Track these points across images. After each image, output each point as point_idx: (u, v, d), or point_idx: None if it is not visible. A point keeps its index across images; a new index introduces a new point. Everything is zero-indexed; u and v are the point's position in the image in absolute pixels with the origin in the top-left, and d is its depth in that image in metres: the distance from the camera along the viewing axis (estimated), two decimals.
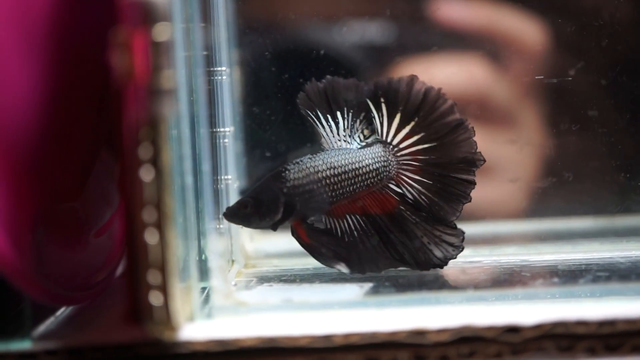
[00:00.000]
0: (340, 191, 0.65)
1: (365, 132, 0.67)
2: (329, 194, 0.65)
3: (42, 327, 0.60)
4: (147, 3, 0.48)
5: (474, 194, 0.66)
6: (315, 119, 0.67)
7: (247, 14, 0.77)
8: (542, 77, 0.78)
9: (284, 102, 0.78)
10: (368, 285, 0.64)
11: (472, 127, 0.65)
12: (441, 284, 0.64)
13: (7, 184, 0.55)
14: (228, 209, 0.66)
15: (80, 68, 0.60)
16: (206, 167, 0.58)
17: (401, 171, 0.66)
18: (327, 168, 0.65)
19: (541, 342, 0.56)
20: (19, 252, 0.54)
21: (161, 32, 0.48)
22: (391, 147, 0.66)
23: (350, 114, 0.66)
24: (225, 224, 0.69)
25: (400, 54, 0.79)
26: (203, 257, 0.62)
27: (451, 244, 0.65)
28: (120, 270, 0.70)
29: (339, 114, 0.66)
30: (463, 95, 0.78)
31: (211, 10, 0.68)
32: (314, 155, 0.66)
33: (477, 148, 0.65)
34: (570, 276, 0.65)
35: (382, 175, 0.66)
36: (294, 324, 0.56)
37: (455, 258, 0.65)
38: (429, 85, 0.65)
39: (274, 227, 0.66)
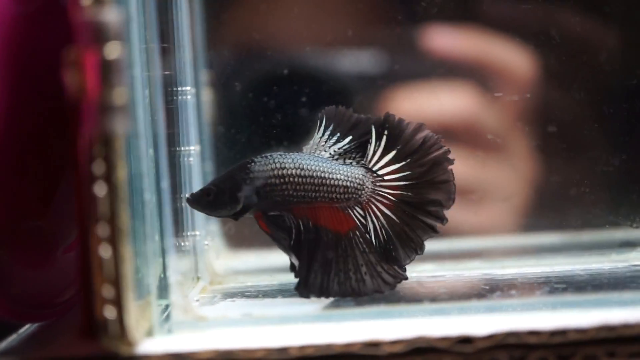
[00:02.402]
0: (302, 194, 0.66)
1: (354, 157, 0.67)
2: (290, 193, 0.66)
3: (3, 344, 0.61)
4: (98, 23, 0.49)
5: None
6: (319, 127, 0.67)
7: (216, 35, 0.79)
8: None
9: (250, 122, 0.80)
10: (328, 300, 0.65)
11: (452, 172, 0.66)
12: (399, 297, 0.65)
13: None
14: (191, 195, 0.66)
15: (41, 86, 0.61)
16: (165, 184, 0.59)
17: (373, 200, 0.66)
18: (295, 167, 0.66)
19: (494, 353, 0.57)
20: None
21: (112, 50, 0.50)
22: (374, 175, 0.66)
23: (348, 139, 0.67)
24: (189, 242, 0.70)
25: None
26: (164, 273, 0.63)
27: (385, 282, 0.65)
28: None
29: (338, 135, 0.67)
30: (452, 122, 0.80)
31: (176, 32, 0.69)
32: (286, 154, 0.66)
33: (454, 190, 0.66)
34: (528, 288, 0.66)
35: (350, 195, 0.66)
36: (252, 337, 0.57)
37: (383, 293, 0.65)
38: (431, 133, 0.66)
39: (235, 217, 0.66)
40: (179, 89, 0.71)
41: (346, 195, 0.66)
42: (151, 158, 0.59)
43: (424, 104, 0.77)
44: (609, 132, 0.80)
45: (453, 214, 0.66)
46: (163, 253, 0.62)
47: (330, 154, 0.67)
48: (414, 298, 0.66)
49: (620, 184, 0.80)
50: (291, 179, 0.66)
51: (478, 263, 0.77)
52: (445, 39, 0.81)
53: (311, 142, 0.68)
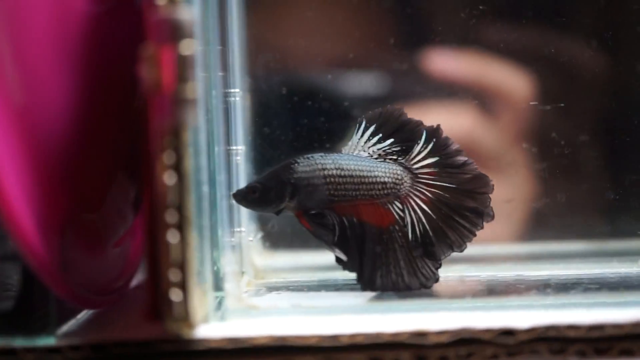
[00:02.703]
0: (343, 192, 0.69)
1: (395, 159, 0.70)
2: (331, 192, 0.69)
3: (65, 327, 0.63)
4: (174, 20, 0.52)
5: None
6: (358, 129, 0.70)
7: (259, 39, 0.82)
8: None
9: (292, 125, 0.83)
10: (371, 294, 0.68)
11: (492, 185, 0.69)
12: (441, 293, 0.68)
13: (41, 189, 0.59)
14: (238, 191, 0.70)
15: (110, 85, 0.64)
16: (222, 178, 0.62)
17: (412, 195, 0.69)
18: (335, 168, 0.69)
19: (534, 345, 0.59)
20: (49, 252, 0.58)
21: (187, 46, 0.53)
22: (411, 171, 0.69)
23: (390, 142, 0.70)
24: (236, 237, 0.73)
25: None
26: (216, 268, 0.66)
27: (420, 281, 0.68)
28: (132, 283, 0.75)
29: (380, 136, 0.70)
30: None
31: (229, 34, 0.72)
32: (326, 154, 0.69)
33: (490, 203, 0.69)
34: (563, 288, 0.69)
35: (389, 191, 0.69)
36: (303, 325, 0.60)
37: (418, 290, 0.68)
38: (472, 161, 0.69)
39: (277, 213, 0.70)
40: (230, 90, 0.74)
41: (385, 191, 0.69)
42: (208, 153, 0.62)
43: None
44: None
45: None
46: (217, 245, 0.65)
47: (369, 154, 0.70)
48: (455, 294, 0.69)
49: None
50: (332, 179, 0.69)
51: (508, 265, 0.79)
52: (445, 61, 0.84)
53: (350, 143, 0.70)
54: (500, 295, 0.68)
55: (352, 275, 0.70)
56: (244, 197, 0.69)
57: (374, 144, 0.70)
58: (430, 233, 0.69)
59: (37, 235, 0.58)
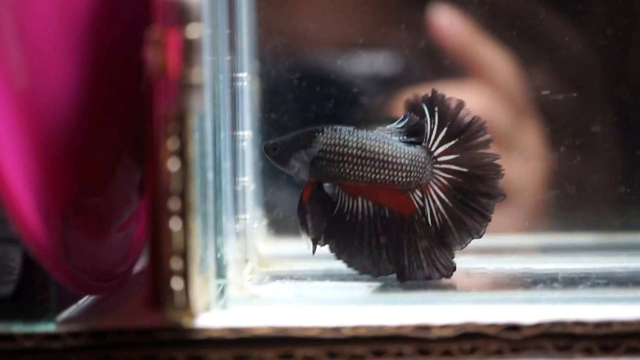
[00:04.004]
0: (361, 173, 0.67)
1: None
2: (347, 170, 0.67)
3: (66, 313, 0.63)
4: (181, 3, 0.51)
5: None
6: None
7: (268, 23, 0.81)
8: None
9: (301, 111, 0.82)
10: (376, 285, 0.67)
11: (502, 170, 0.68)
12: (446, 286, 0.67)
13: (42, 172, 0.58)
14: (264, 143, 0.69)
15: (115, 69, 0.63)
16: (227, 165, 0.61)
17: (431, 183, 0.68)
18: (357, 147, 0.67)
19: (540, 341, 0.59)
20: (50, 236, 0.57)
21: (194, 30, 0.52)
22: (432, 157, 0.68)
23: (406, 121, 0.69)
24: (240, 224, 0.72)
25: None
26: (219, 255, 0.65)
27: (438, 271, 0.67)
28: (136, 268, 0.74)
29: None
30: None
31: (237, 18, 0.71)
32: (354, 130, 0.68)
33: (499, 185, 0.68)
34: (570, 283, 0.68)
35: (411, 179, 0.68)
36: (305, 316, 0.59)
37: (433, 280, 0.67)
38: (475, 114, 0.68)
39: (294, 174, 0.69)
40: (237, 74, 0.73)
41: (408, 179, 0.68)
42: (214, 139, 0.61)
43: None
44: None
45: None
46: (221, 232, 0.64)
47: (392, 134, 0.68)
48: (461, 287, 0.68)
49: None
50: (351, 158, 0.67)
51: (516, 257, 0.78)
52: (449, 21, 0.83)
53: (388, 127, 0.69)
54: (506, 289, 0.67)
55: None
56: (266, 150, 0.69)
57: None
58: (450, 222, 0.68)
59: (37, 219, 0.57)
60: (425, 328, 0.58)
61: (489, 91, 0.83)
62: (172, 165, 0.53)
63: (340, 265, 0.70)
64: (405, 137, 0.68)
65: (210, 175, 0.59)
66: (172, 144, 0.53)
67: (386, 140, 0.67)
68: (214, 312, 0.60)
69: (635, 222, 0.82)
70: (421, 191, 0.68)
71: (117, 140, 0.69)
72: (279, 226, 0.83)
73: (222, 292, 0.63)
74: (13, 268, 0.66)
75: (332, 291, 0.67)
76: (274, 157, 0.69)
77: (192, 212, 0.54)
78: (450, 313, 0.59)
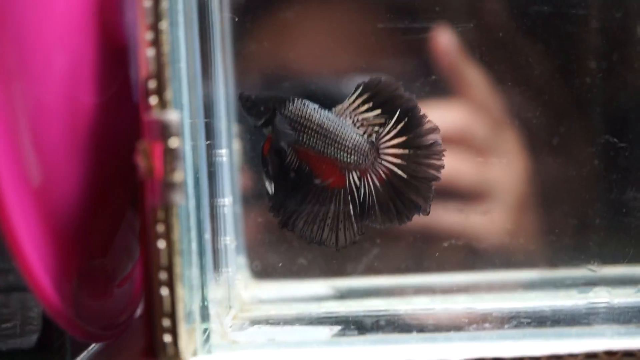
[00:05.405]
0: (312, 144, 0.78)
1: (373, 130, 0.78)
2: (303, 139, 0.78)
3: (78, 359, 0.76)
4: (163, 122, 0.65)
5: None
6: (353, 94, 0.78)
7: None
8: None
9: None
10: (336, 328, 0.80)
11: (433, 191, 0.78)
12: (395, 327, 0.81)
13: (53, 244, 0.71)
14: (241, 94, 0.79)
15: (113, 150, 0.76)
16: (207, 236, 0.75)
17: (370, 171, 0.77)
18: (316, 124, 0.78)
19: None
20: (62, 299, 0.69)
21: (174, 142, 0.66)
22: (378, 149, 0.77)
23: (375, 113, 0.78)
24: (224, 276, 0.86)
25: None
26: (205, 302, 0.78)
27: (338, 239, 0.78)
28: (139, 311, 0.87)
29: (370, 105, 0.78)
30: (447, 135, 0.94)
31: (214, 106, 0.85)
32: (318, 109, 0.78)
33: (430, 201, 0.78)
34: (499, 322, 0.81)
35: (351, 160, 0.77)
36: (276, 359, 0.73)
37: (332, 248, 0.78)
38: (440, 141, 0.77)
39: (256, 127, 0.79)
40: (216, 151, 0.86)
41: (348, 160, 0.78)
42: (196, 214, 0.74)
43: None
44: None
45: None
46: (206, 284, 0.77)
47: (353, 121, 0.78)
48: (406, 328, 0.81)
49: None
50: (308, 130, 0.78)
51: (463, 297, 0.92)
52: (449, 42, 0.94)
53: (340, 106, 0.78)
54: (442, 330, 0.80)
55: (328, 309, 0.83)
56: (240, 99, 0.80)
57: (362, 112, 0.78)
58: (377, 207, 0.78)
59: (51, 287, 0.69)
60: None
61: (472, 108, 0.94)
62: (160, 244, 0.67)
63: (309, 309, 0.84)
64: (362, 111, 0.78)
65: (194, 246, 0.72)
66: (159, 228, 0.67)
67: (341, 124, 0.78)
68: (200, 357, 0.73)
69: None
70: (360, 174, 0.78)
71: (119, 204, 0.82)
72: (259, 271, 0.96)
73: (207, 337, 0.76)
74: (32, 318, 0.80)
75: (299, 335, 0.80)
76: (246, 107, 0.79)
77: (177, 281, 0.68)
78: (394, 352, 0.73)
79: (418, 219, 0.79)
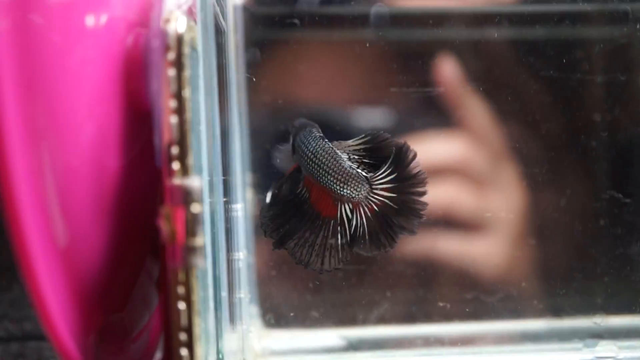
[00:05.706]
0: (312, 172, 0.79)
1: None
2: (306, 166, 0.80)
3: None
4: (185, 188, 0.67)
5: None
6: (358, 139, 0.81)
7: None
8: None
9: None
10: None
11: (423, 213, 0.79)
12: None
13: (74, 304, 0.73)
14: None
15: (134, 207, 0.78)
16: (224, 294, 0.77)
17: (363, 204, 0.78)
18: (313, 153, 0.80)
19: None
20: (81, 353, 0.72)
21: (196, 207, 0.68)
22: (370, 186, 0.79)
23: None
24: (239, 330, 0.88)
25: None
26: (220, 356, 0.80)
27: (324, 265, 0.80)
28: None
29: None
30: (443, 167, 0.97)
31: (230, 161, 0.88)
32: (319, 139, 0.81)
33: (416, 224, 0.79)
34: None
35: (344, 193, 0.78)
36: None
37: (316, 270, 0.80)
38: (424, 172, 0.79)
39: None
40: (232, 206, 0.89)
41: (342, 193, 0.79)
42: (213, 272, 0.77)
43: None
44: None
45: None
46: (221, 337, 0.79)
47: (349, 157, 0.80)
48: None
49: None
50: (310, 159, 0.80)
51: (466, 349, 0.94)
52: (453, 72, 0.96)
53: (344, 142, 0.81)
54: None
55: None
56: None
57: (357, 152, 0.80)
58: (367, 236, 0.79)
59: (71, 342, 0.72)
60: None
61: (473, 139, 0.96)
62: (181, 305, 0.69)
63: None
64: (361, 155, 0.80)
65: (211, 305, 0.74)
66: (180, 290, 0.69)
67: (336, 157, 0.80)
68: None
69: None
70: (353, 206, 0.79)
71: (138, 257, 0.84)
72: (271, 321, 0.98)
73: None
74: None
75: None
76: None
77: (197, 341, 0.70)
78: None
79: (419, 252, 0.81)
